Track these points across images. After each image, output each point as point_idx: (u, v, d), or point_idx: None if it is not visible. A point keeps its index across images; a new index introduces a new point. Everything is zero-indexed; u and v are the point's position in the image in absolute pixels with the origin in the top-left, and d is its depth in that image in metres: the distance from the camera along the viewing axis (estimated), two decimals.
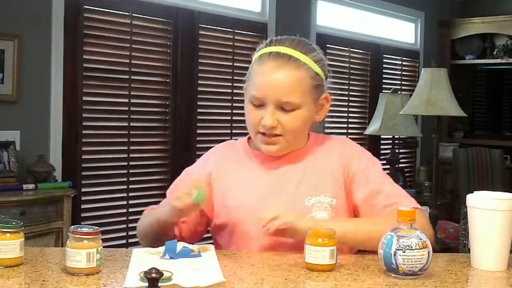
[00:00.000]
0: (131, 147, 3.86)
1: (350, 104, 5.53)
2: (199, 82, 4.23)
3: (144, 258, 1.28)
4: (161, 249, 1.32)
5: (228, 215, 1.51)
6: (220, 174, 1.53)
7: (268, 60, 1.47)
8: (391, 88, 5.47)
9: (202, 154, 1.68)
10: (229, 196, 1.52)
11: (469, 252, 1.34)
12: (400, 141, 5.59)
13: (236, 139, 1.67)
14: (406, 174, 5.80)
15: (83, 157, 3.63)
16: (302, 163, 1.54)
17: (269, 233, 1.36)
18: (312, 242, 1.26)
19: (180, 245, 1.32)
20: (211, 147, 1.67)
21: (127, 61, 3.81)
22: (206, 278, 1.14)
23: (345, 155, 1.55)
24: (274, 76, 1.45)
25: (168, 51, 4.06)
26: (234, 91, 4.39)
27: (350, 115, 5.52)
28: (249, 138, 1.62)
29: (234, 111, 4.39)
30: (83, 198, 3.62)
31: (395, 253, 1.19)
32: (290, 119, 1.47)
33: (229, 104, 4.39)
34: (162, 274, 0.97)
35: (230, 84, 4.40)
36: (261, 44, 1.55)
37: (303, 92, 1.47)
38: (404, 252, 1.18)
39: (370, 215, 1.49)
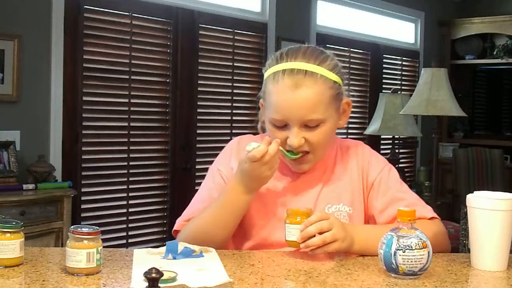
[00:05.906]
0: (131, 147, 3.86)
1: None
2: (199, 82, 4.23)
3: (146, 258, 1.28)
4: (163, 249, 1.32)
5: (245, 219, 1.45)
6: None
7: (283, 78, 1.38)
8: (391, 88, 5.48)
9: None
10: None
11: (469, 252, 1.34)
12: (400, 141, 5.59)
13: (253, 134, 1.59)
14: (406, 174, 5.80)
15: (83, 157, 3.63)
16: (322, 170, 1.51)
17: (309, 250, 1.30)
18: (292, 221, 1.32)
19: (182, 245, 1.32)
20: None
21: (127, 61, 3.81)
22: (212, 279, 1.13)
23: (362, 162, 1.53)
24: (293, 96, 1.37)
25: (168, 51, 4.06)
26: (234, 91, 4.39)
27: (350, 115, 5.50)
28: None
29: (234, 111, 4.37)
30: (83, 198, 3.62)
31: (395, 253, 1.19)
32: (316, 135, 1.41)
33: (229, 104, 4.38)
34: (162, 274, 0.97)
35: (230, 84, 4.40)
36: (271, 60, 1.45)
37: (325, 106, 1.40)
38: (404, 252, 1.18)
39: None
